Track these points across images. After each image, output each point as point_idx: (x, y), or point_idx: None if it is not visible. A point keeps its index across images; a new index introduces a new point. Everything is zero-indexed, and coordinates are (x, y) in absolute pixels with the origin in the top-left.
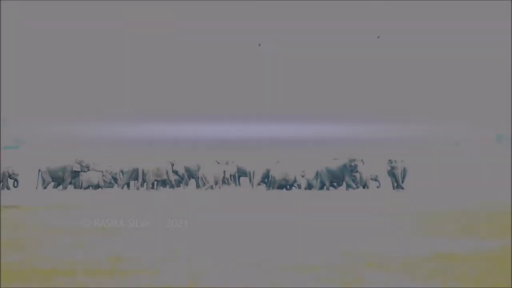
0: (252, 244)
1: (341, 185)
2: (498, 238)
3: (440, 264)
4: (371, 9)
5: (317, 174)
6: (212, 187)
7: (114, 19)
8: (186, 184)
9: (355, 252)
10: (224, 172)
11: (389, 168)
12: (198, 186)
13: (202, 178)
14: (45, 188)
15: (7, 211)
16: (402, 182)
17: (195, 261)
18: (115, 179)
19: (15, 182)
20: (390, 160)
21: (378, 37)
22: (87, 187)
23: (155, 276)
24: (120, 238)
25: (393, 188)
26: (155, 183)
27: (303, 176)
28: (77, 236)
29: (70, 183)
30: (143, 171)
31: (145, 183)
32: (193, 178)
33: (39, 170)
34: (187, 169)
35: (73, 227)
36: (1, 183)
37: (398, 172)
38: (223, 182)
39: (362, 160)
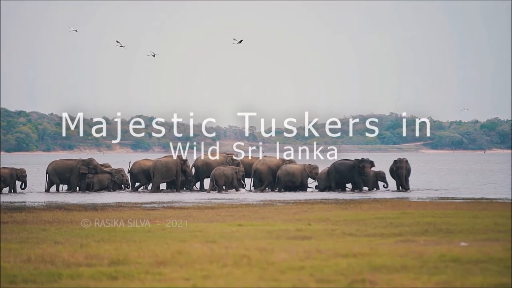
0: (253, 244)
1: (350, 185)
2: (498, 238)
3: (441, 264)
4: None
5: (325, 174)
6: (221, 189)
7: None
8: (193, 186)
9: (358, 252)
10: (236, 173)
11: (394, 169)
12: (202, 187)
13: (212, 180)
14: (56, 190)
15: (9, 211)
16: (407, 182)
17: (196, 262)
18: (124, 181)
19: (23, 184)
20: (395, 160)
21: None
22: (97, 190)
23: (156, 277)
24: (121, 239)
25: (397, 189)
26: (165, 184)
27: (311, 177)
28: (78, 236)
29: (77, 185)
30: (153, 173)
31: (154, 185)
32: (200, 179)
33: (47, 172)
34: (196, 170)
35: (74, 227)
36: (9, 185)
37: (403, 172)
38: (233, 184)
39: (371, 162)
